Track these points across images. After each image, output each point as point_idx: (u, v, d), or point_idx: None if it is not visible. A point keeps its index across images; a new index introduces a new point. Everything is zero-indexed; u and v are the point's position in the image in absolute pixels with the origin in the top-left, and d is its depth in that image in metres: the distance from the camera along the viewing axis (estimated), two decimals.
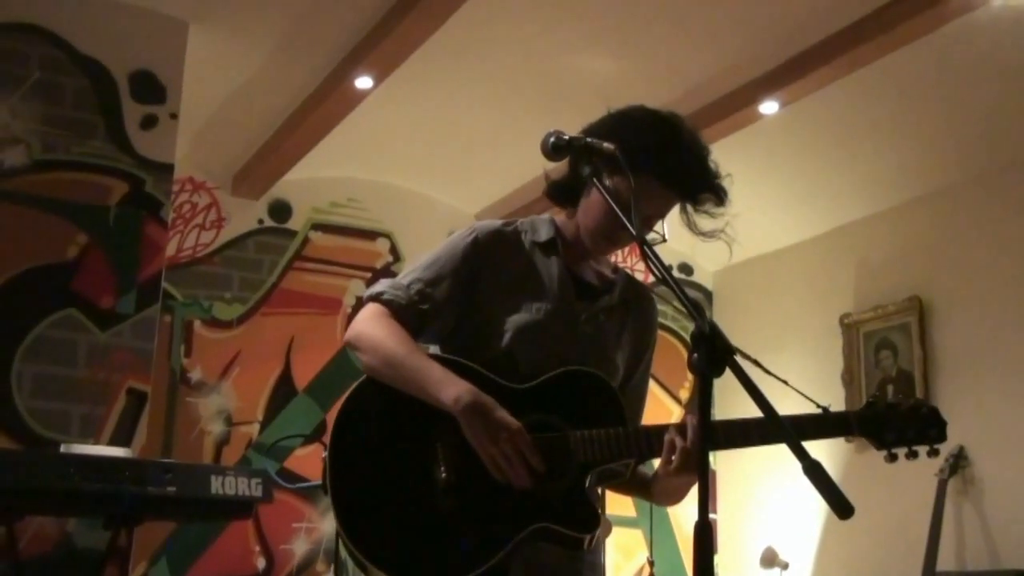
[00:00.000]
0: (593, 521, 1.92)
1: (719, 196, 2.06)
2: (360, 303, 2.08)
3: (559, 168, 2.13)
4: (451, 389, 1.89)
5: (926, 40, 4.14)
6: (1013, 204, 5.11)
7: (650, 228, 2.03)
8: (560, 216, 2.20)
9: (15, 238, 3.94)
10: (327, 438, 1.95)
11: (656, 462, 1.99)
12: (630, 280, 2.22)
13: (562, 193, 2.17)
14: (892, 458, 1.96)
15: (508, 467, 1.86)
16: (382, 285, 2.07)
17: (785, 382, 1.90)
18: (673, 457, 1.88)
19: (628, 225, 1.79)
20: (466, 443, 1.88)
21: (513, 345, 2.02)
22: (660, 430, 1.92)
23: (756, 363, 1.76)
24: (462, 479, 1.88)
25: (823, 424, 1.94)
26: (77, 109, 4.14)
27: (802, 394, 1.98)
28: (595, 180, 1.89)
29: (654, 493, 2.08)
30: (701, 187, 2.05)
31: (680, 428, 1.89)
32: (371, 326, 2.01)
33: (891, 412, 1.96)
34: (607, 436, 1.93)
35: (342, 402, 1.96)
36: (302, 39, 4.55)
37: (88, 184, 4.11)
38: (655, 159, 1.99)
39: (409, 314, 2.03)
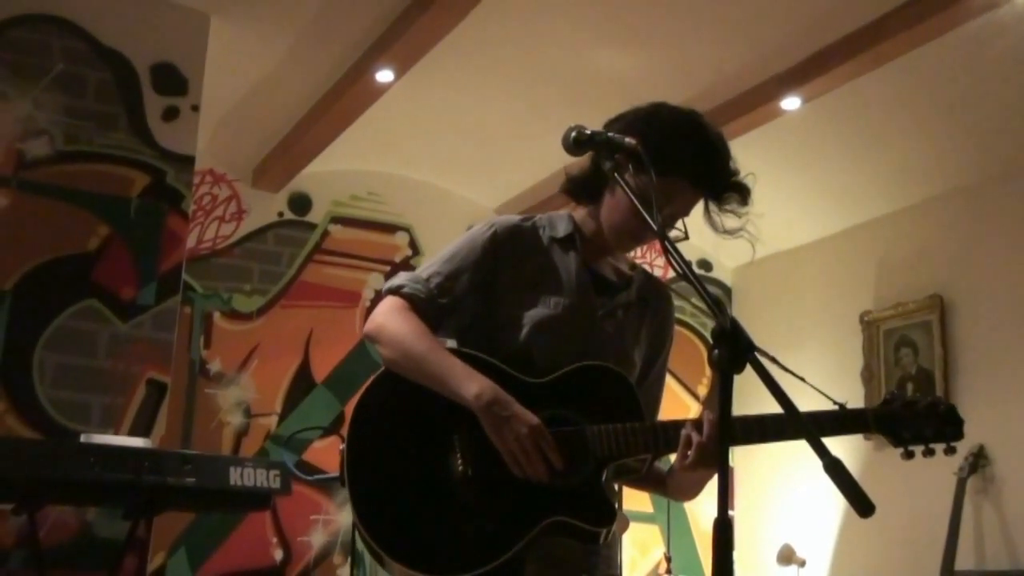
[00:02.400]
0: (609, 515, 1.93)
1: (743, 195, 2.07)
2: (379, 296, 2.08)
3: (579, 164, 2.13)
4: (472, 385, 1.90)
5: (949, 37, 4.11)
6: None
7: (673, 226, 2.03)
8: (578, 212, 2.20)
9: (37, 229, 3.96)
10: (344, 430, 1.95)
11: (672, 457, 1.99)
12: (648, 277, 2.23)
13: (582, 189, 2.17)
14: (909, 455, 1.95)
15: (527, 462, 1.87)
16: (401, 278, 2.07)
17: (802, 379, 1.90)
18: (689, 452, 1.88)
19: (650, 221, 1.79)
20: (484, 436, 1.89)
21: (530, 339, 2.02)
22: (677, 425, 1.93)
23: (773, 359, 1.76)
24: (479, 472, 1.88)
25: (841, 421, 1.93)
26: (99, 101, 4.15)
27: (820, 391, 1.97)
28: (617, 175, 1.88)
29: (670, 488, 2.09)
30: (727, 187, 2.06)
31: (697, 423, 1.90)
32: (391, 319, 2.01)
33: (908, 410, 1.95)
34: (624, 431, 1.93)
35: (360, 394, 1.96)
36: (323, 32, 4.56)
37: (110, 175, 4.13)
38: (686, 161, 2.01)
39: (428, 307, 2.04)
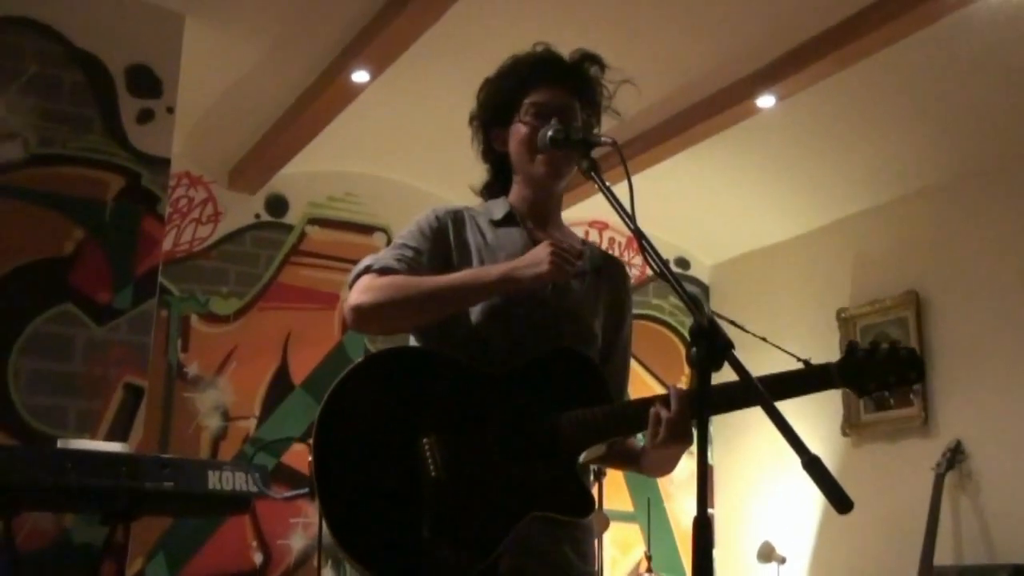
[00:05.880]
0: (588, 504, 1.93)
1: (594, 61, 2.21)
2: (351, 284, 2.05)
3: (480, 173, 2.25)
4: (493, 272, 1.95)
5: (924, 34, 4.14)
6: (1010, 199, 5.11)
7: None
8: (509, 195, 2.23)
9: (12, 233, 3.93)
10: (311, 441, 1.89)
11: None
12: (600, 250, 2.25)
13: (496, 187, 2.24)
14: (877, 403, 1.95)
15: (564, 261, 1.91)
16: (367, 260, 2.04)
17: (764, 339, 1.90)
18: (660, 430, 1.87)
19: (625, 219, 1.80)
20: (454, 440, 1.87)
21: (484, 321, 2.00)
22: (645, 403, 1.91)
23: (740, 327, 1.76)
24: (452, 476, 1.86)
25: (806, 379, 1.92)
26: (73, 103, 4.12)
27: (786, 351, 1.97)
28: (594, 175, 1.89)
29: (643, 466, 2.07)
30: (577, 62, 2.18)
31: (664, 400, 1.88)
32: (376, 285, 1.97)
33: (870, 359, 1.93)
34: (594, 415, 1.93)
35: (321, 407, 1.90)
36: (299, 33, 4.54)
37: (85, 179, 4.09)
38: (528, 68, 2.15)
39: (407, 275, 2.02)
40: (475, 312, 2.01)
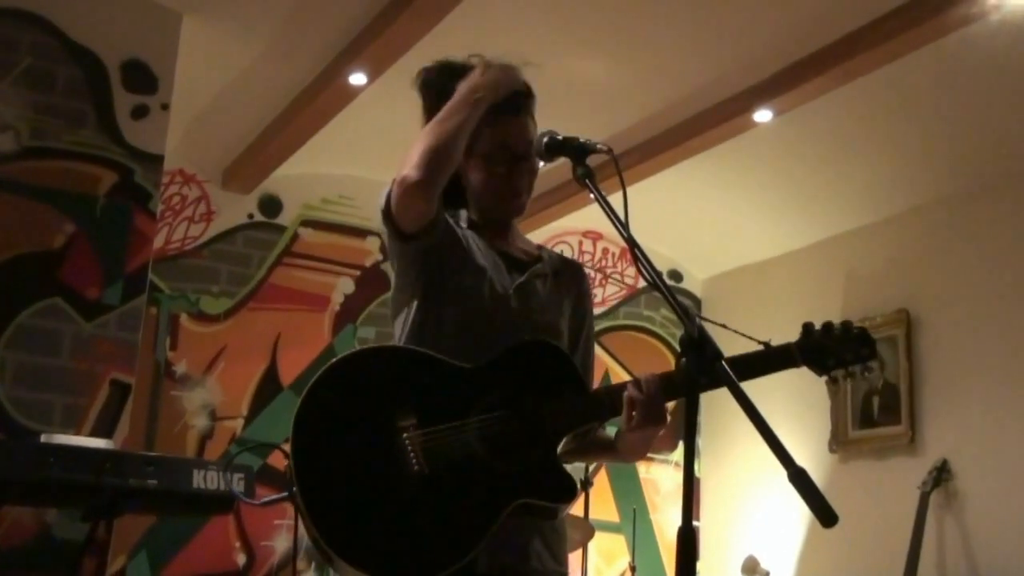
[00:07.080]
0: (570, 488, 1.95)
1: (529, 93, 2.26)
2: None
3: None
4: (463, 90, 2.10)
5: (921, 53, 4.14)
6: (1002, 218, 5.12)
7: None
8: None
9: (2, 225, 3.91)
10: (287, 447, 1.88)
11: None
12: (557, 255, 2.29)
13: (450, 195, 2.19)
14: (834, 381, 2.04)
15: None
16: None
17: (735, 330, 1.92)
18: (634, 412, 1.92)
19: (618, 227, 1.81)
20: (433, 431, 1.88)
21: (454, 328, 2.03)
22: (620, 388, 1.96)
23: (709, 321, 1.78)
24: (434, 469, 1.87)
25: (768, 359, 1.99)
26: (68, 97, 4.11)
27: (750, 337, 2.05)
28: (588, 182, 1.90)
29: (620, 451, 2.10)
30: (524, 97, 2.22)
31: (636, 383, 1.94)
32: (414, 150, 2.05)
33: (827, 337, 2.02)
34: (572, 403, 1.98)
35: (298, 407, 1.88)
36: (297, 34, 4.54)
37: (77, 173, 4.08)
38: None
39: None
40: (444, 322, 2.03)
